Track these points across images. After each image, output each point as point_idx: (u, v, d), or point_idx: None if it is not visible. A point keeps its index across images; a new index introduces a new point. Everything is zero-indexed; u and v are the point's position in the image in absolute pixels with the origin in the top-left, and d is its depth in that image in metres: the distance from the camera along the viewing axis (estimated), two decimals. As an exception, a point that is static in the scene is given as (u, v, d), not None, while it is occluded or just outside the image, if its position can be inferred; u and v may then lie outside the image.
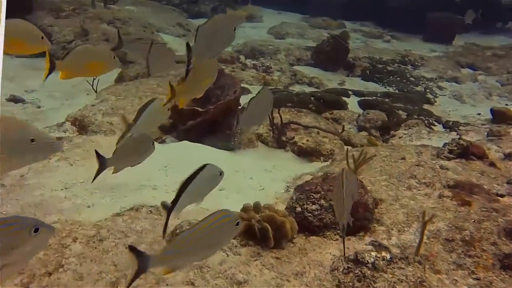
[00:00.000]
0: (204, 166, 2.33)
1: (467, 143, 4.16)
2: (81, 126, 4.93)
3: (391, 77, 8.71)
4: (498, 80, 9.25)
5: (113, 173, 2.91)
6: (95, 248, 2.63)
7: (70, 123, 4.94)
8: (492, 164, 3.97)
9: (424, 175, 3.50)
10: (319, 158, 4.65)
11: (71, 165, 4.04)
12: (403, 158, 3.99)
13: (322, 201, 2.65)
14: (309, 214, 2.64)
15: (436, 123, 6.12)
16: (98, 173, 2.89)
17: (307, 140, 4.65)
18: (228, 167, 4.17)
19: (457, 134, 5.78)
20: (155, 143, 4.73)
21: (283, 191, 3.76)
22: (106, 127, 4.78)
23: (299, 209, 2.69)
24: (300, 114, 5.40)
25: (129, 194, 3.57)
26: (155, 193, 3.60)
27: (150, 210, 3.03)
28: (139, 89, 5.52)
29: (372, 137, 5.33)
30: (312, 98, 6.44)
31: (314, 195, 2.68)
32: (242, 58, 8.59)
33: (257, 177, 4.06)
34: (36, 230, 1.64)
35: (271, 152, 4.73)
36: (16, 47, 2.38)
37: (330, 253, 2.48)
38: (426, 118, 6.13)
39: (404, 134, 5.62)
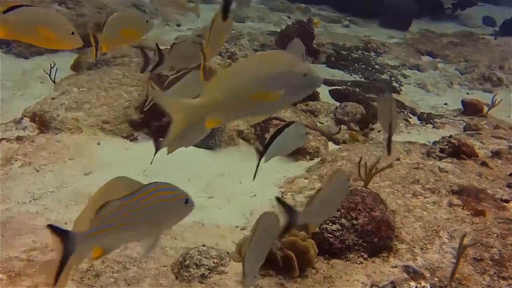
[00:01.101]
0: (291, 122, 2.19)
1: (459, 142, 4.07)
2: (42, 122, 4.40)
3: (356, 64, 8.60)
4: (457, 68, 9.38)
5: (168, 153, 2.63)
6: (92, 287, 2.26)
7: (28, 119, 4.40)
8: (484, 164, 3.91)
9: (427, 179, 3.36)
10: (305, 156, 4.42)
11: (37, 171, 3.59)
12: (398, 159, 3.84)
13: (343, 220, 2.42)
14: (330, 235, 2.40)
15: (411, 115, 6.06)
16: (154, 154, 2.73)
17: (293, 138, 4.40)
18: (212, 170, 3.88)
19: (433, 127, 5.75)
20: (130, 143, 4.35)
21: (278, 197, 3.50)
22: (71, 124, 4.29)
23: (317, 229, 2.45)
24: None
25: (111, 206, 3.18)
26: (140, 204, 3.23)
27: (143, 230, 2.68)
28: (104, 79, 5.02)
29: (354, 132, 5.17)
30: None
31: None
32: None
33: (245, 181, 3.78)
34: (186, 201, 1.67)
35: (254, 151, 4.44)
36: (45, 41, 2.24)
37: (358, 280, 2.27)
38: (402, 110, 6.06)
39: (382, 127, 5.50)
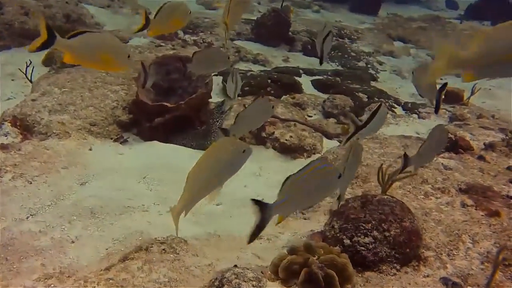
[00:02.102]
0: (380, 105, 2.47)
1: (456, 136, 4.11)
2: (24, 127, 4.14)
3: (333, 52, 8.57)
4: (429, 53, 9.53)
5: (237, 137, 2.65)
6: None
7: (9, 123, 4.12)
8: (481, 158, 3.97)
9: (435, 179, 3.37)
10: (303, 154, 4.36)
11: (30, 183, 3.37)
12: (400, 157, 3.83)
13: (375, 233, 2.37)
14: (363, 248, 2.36)
15: (395, 105, 6.10)
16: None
17: (291, 137, 4.33)
18: (215, 173, 3.74)
19: (419, 117, 5.81)
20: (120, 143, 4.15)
21: (287, 201, 3.43)
22: (58, 129, 4.05)
23: (348, 241, 2.40)
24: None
25: (117, 220, 3.03)
26: (148, 216, 3.09)
27: (163, 249, 2.55)
28: (86, 78, 4.76)
29: (345, 126, 5.14)
30: (269, 81, 6.09)
31: (364, 225, 2.40)
32: (180, 33, 7.90)
33: (250, 185, 3.69)
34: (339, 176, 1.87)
35: (251, 150, 4.33)
36: (104, 65, 2.37)
37: (397, 293, 2.25)
38: (386, 100, 6.09)
39: (371, 119, 5.50)
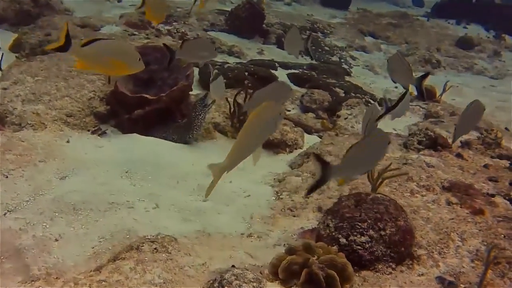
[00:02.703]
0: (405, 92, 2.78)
1: (435, 134, 4.19)
2: (-4, 117, 3.94)
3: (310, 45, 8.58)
4: (399, 50, 9.69)
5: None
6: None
7: (-21, 114, 3.91)
8: (459, 156, 4.06)
9: (419, 176, 3.42)
10: (285, 149, 4.34)
11: (6, 177, 3.21)
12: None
13: (371, 232, 2.38)
14: (359, 247, 2.36)
15: (371, 101, 6.16)
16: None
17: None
18: (198, 169, 3.69)
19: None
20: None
21: (274, 198, 3.41)
22: (33, 119, 3.87)
23: (344, 240, 2.39)
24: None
25: (101, 217, 2.92)
26: (134, 213, 2.99)
27: (154, 248, 2.47)
28: (61, 67, 4.56)
29: (325, 121, 5.16)
30: (246, 74, 6.03)
31: (360, 224, 2.40)
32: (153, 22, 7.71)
33: (235, 180, 3.64)
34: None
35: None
36: (116, 70, 2.53)
37: (395, 292, 2.26)
38: (363, 96, 6.14)
39: (348, 114, 5.55)
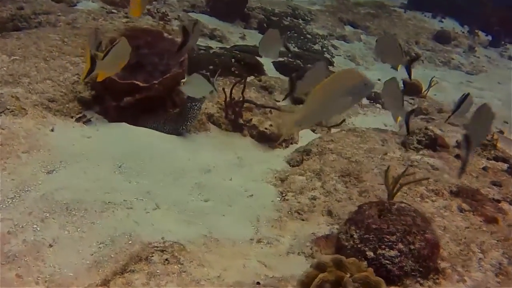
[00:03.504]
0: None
1: (435, 134, 4.12)
2: (-31, 100, 3.55)
3: (289, 32, 8.38)
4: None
5: None
6: None
7: (-50, 95, 3.51)
8: (458, 157, 4.01)
9: (428, 181, 3.33)
10: (281, 144, 4.16)
11: (-14, 170, 2.88)
12: (386, 153, 3.77)
13: (400, 245, 2.25)
14: (388, 262, 2.22)
15: (359, 95, 6.05)
16: None
17: (270, 125, 4.10)
18: (195, 164, 3.49)
19: (383, 107, 5.80)
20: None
21: (279, 199, 3.24)
22: (12, 104, 3.51)
23: (371, 254, 2.25)
24: (240, 85, 4.74)
25: (98, 219, 2.66)
26: (134, 215, 2.75)
27: (165, 259, 2.25)
28: (40, 46, 4.18)
29: (318, 115, 5.00)
30: (233, 60, 5.79)
31: (388, 237, 2.26)
32: None
33: (235, 177, 3.44)
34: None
35: (227, 138, 4.07)
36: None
37: (426, 312, 2.15)
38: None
39: (338, 108, 5.42)
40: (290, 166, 3.83)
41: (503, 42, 11.02)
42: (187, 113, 3.81)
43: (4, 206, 2.65)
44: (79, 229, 2.57)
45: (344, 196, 3.16)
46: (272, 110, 4.42)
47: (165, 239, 2.53)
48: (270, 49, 3.72)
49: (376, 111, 5.54)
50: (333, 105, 1.93)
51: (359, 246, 2.31)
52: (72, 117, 3.83)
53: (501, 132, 5.88)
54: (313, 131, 4.76)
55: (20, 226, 2.51)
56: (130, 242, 2.51)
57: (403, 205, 2.46)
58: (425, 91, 6.45)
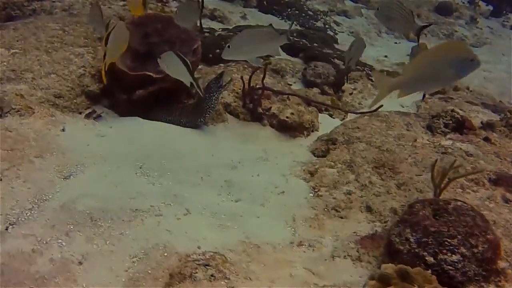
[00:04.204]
0: None
1: (462, 117, 3.94)
2: (-31, 100, 3.28)
3: (289, 9, 8.08)
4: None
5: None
6: None
7: None
8: (487, 139, 3.84)
9: (464, 168, 3.16)
10: (302, 132, 3.95)
11: (0, 179, 2.65)
12: (416, 140, 3.59)
13: (463, 249, 2.08)
14: (450, 267, 2.06)
15: (371, 73, 5.83)
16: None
17: (292, 114, 3.88)
18: (219, 160, 3.30)
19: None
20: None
21: (311, 194, 3.05)
22: (17, 103, 3.26)
23: (431, 259, 2.09)
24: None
25: (127, 229, 2.46)
26: (165, 222, 2.55)
27: (211, 275, 2.07)
28: (40, 37, 3.89)
29: (334, 98, 4.80)
30: (240, 43, 5.52)
31: (449, 240, 2.10)
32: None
33: (262, 173, 3.25)
34: None
35: (246, 128, 3.86)
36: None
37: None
38: (362, 68, 5.80)
39: (353, 89, 5.22)
40: (315, 156, 3.65)
41: (504, 12, 10.80)
42: (204, 104, 3.58)
43: (23, 219, 2.44)
44: (108, 242, 2.37)
45: (382, 189, 2.98)
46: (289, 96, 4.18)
47: (203, 249, 2.35)
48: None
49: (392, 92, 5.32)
50: (433, 76, 1.81)
51: (417, 250, 2.14)
52: (80, 113, 3.59)
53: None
54: (331, 115, 4.57)
55: (44, 242, 2.31)
56: (165, 254, 2.32)
57: (459, 203, 2.29)
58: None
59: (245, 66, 4.51)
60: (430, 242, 2.14)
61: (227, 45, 2.83)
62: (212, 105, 3.59)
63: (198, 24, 5.72)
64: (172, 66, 3.07)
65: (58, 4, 5.01)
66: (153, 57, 3.93)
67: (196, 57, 3.78)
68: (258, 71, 3.92)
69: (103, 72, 3.03)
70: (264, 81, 4.17)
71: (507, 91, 6.62)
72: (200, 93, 3.18)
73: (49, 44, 3.86)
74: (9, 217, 2.43)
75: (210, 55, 4.92)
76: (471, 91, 5.62)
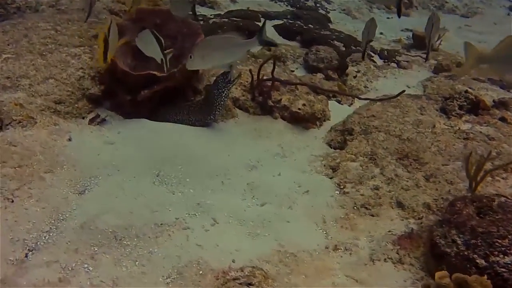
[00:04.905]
0: None
1: (477, 98, 3.84)
2: (-35, 114, 3.07)
3: (279, -11, 7.85)
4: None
5: None
6: None
7: None
8: (503, 119, 3.76)
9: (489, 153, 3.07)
10: (315, 123, 3.82)
11: (11, 201, 2.48)
12: (434, 126, 3.49)
13: (515, 249, 2.00)
14: (504, 270, 1.97)
15: (372, 54, 5.69)
16: None
17: (304, 105, 3.73)
18: (237, 161, 3.16)
19: (398, 66, 5.48)
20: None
21: (338, 192, 2.93)
22: (18, 113, 3.05)
23: (482, 262, 2.00)
24: (257, 60, 4.33)
25: (155, 247, 2.32)
26: (194, 236, 2.42)
27: (254, 293, 1.95)
28: (32, 39, 3.64)
29: (341, 84, 4.65)
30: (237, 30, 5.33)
31: (500, 241, 2.00)
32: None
33: (282, 171, 3.12)
34: None
35: (258, 123, 3.70)
36: None
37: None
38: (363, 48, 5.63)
39: (356, 72, 5.07)
40: (332, 148, 3.54)
41: (492, -20, 10.68)
42: (214, 101, 3.41)
43: (43, 244, 2.28)
44: (137, 263, 2.23)
45: (410, 183, 2.88)
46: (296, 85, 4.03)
47: (239, 263, 2.23)
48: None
49: (396, 72, 5.21)
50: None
51: (466, 253, 2.05)
52: (83, 118, 3.40)
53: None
54: (339, 102, 4.44)
55: (70, 269, 2.16)
56: (200, 272, 2.20)
57: (502, 199, 2.20)
58: (438, 44, 6.11)
59: (248, 56, 4.33)
60: (480, 244, 2.04)
61: (190, 55, 2.77)
62: (222, 102, 3.42)
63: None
64: (147, 44, 2.99)
65: (44, 0, 4.73)
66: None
67: (201, 51, 3.58)
68: (266, 64, 3.75)
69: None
70: (268, 71, 4.01)
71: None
72: (165, 68, 3.03)
73: (42, 46, 3.63)
74: (27, 242, 2.28)
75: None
76: (474, 66, 5.50)
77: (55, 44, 3.68)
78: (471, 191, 2.53)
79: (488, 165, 2.73)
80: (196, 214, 2.57)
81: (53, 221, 2.43)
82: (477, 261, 2.03)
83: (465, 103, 3.80)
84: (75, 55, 3.63)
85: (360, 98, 4.23)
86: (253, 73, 3.72)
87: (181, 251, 2.30)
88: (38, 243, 2.29)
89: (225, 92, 3.41)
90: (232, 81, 3.40)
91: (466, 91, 3.90)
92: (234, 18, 5.79)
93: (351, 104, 4.43)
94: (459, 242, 2.09)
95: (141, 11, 3.72)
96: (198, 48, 2.77)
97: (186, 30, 3.67)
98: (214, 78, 3.52)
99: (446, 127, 3.49)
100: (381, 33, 7.05)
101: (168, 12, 3.70)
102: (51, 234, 2.35)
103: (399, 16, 6.40)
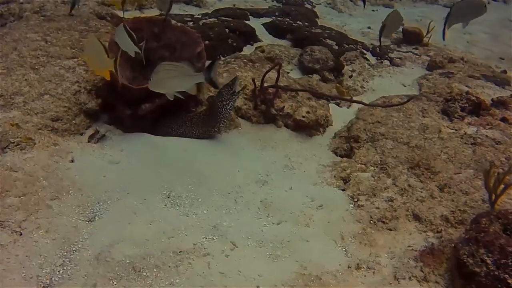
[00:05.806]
0: None
1: (478, 99, 3.84)
2: (-42, 137, 2.91)
3: (264, -16, 7.72)
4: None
5: None
6: None
7: None
8: (504, 120, 3.77)
9: (499, 160, 3.08)
10: (319, 130, 3.77)
11: (20, 234, 2.36)
12: (440, 131, 3.47)
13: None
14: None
15: (364, 51, 5.64)
16: None
17: (308, 112, 3.67)
18: (247, 176, 3.09)
19: (391, 63, 5.45)
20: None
21: (352, 205, 2.89)
22: (15, 135, 2.91)
23: (515, 282, 2.00)
24: (254, 65, 4.24)
25: (176, 277, 2.24)
26: (215, 264, 2.34)
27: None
28: (22, 52, 3.47)
29: (339, 85, 4.59)
30: (228, 31, 5.22)
31: (532, 260, 2.00)
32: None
33: (295, 185, 3.06)
34: None
35: (262, 132, 3.63)
36: None
37: None
38: (355, 46, 5.59)
39: (351, 71, 5.02)
40: (338, 155, 3.50)
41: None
42: (218, 113, 3.32)
43: (58, 279, 2.18)
44: (160, 296, 2.15)
45: (424, 193, 2.86)
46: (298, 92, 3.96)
47: (265, 291, 2.17)
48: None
49: (391, 71, 5.18)
50: None
51: (496, 273, 2.04)
52: (82, 134, 3.28)
53: (505, 71, 5.70)
54: (338, 104, 4.38)
55: (89, 306, 2.06)
56: (226, 303, 2.13)
57: (531, 214, 2.19)
58: (427, 38, 6.10)
59: (245, 61, 4.24)
60: (510, 264, 2.03)
61: (150, 76, 2.77)
62: (227, 114, 3.34)
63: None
64: (121, 40, 2.98)
65: (28, 6, 4.52)
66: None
67: (201, 61, 3.48)
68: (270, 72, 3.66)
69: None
70: (268, 75, 3.92)
71: (491, 54, 6.61)
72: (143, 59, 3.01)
73: (34, 59, 3.46)
74: (41, 279, 2.17)
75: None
76: (466, 61, 5.53)
77: (47, 57, 3.52)
78: (491, 204, 2.52)
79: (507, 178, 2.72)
80: (214, 238, 2.49)
81: (65, 253, 2.32)
82: (509, 281, 2.02)
83: (467, 105, 3.80)
84: (69, 68, 3.48)
85: (367, 105, 4.18)
86: (252, 81, 3.62)
87: (204, 280, 2.23)
88: (53, 278, 2.19)
89: (230, 104, 3.32)
90: (237, 93, 3.31)
91: (468, 92, 3.90)
92: (223, 18, 5.66)
93: (349, 105, 4.39)
94: (489, 262, 2.08)
95: (138, 20, 3.58)
96: (155, 73, 2.73)
97: (185, 38, 3.56)
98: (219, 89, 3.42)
99: (452, 131, 3.48)
100: (368, 27, 7.02)
101: (167, 22, 3.58)
102: (65, 268, 2.25)
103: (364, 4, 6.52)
